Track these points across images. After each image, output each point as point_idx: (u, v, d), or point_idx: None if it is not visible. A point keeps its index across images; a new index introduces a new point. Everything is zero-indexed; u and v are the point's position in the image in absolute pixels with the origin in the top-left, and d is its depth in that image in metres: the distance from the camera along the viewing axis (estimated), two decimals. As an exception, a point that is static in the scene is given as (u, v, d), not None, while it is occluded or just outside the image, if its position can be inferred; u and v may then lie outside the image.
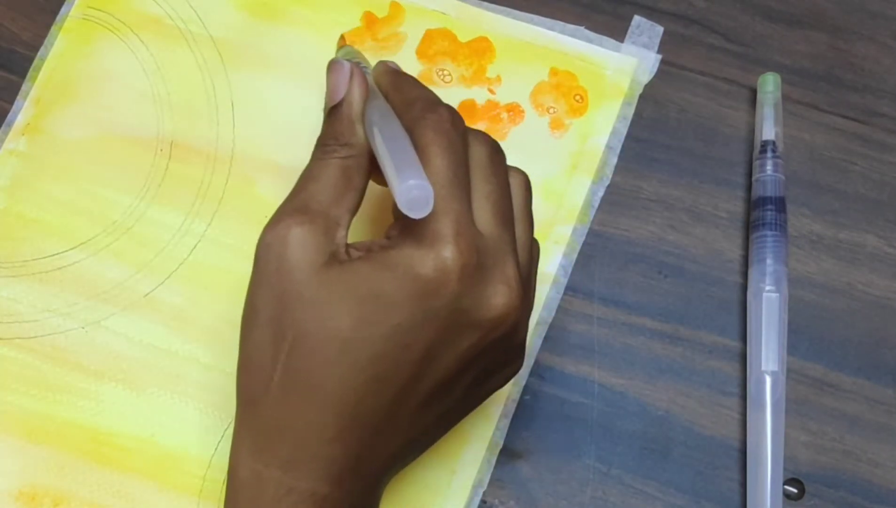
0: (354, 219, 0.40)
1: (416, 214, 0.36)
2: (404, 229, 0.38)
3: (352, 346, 0.37)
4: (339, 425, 0.37)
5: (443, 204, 0.37)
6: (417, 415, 0.39)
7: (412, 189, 0.36)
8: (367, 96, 0.41)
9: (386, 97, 0.41)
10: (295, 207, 0.39)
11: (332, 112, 0.41)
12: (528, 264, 0.41)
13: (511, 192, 0.41)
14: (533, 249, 0.42)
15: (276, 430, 0.38)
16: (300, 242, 0.37)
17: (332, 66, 0.42)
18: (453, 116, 0.39)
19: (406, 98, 0.40)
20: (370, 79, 0.42)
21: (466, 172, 0.39)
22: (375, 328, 0.37)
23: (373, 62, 0.43)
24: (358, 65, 0.42)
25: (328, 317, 0.37)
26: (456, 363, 0.38)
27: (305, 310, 0.37)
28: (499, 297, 0.38)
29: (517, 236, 0.40)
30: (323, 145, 0.40)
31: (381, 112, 0.40)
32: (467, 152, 0.39)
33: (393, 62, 0.43)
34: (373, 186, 0.42)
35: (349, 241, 0.39)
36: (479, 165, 0.40)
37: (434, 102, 0.40)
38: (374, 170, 0.40)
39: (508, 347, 0.40)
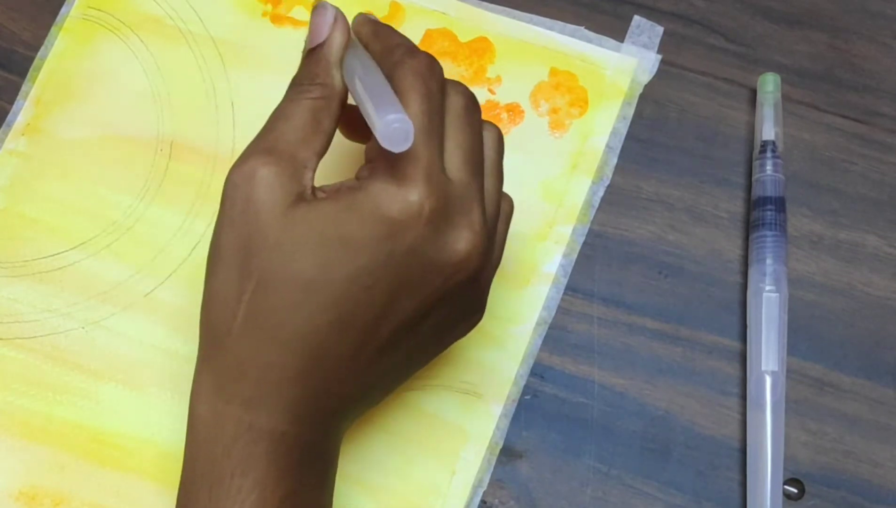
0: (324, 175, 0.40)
1: (396, 147, 0.36)
2: (373, 171, 0.38)
3: (315, 288, 0.37)
4: (300, 365, 0.38)
5: (414, 149, 0.37)
6: (378, 358, 0.39)
7: (392, 122, 0.36)
8: (348, 43, 0.41)
9: (366, 47, 0.42)
10: (263, 147, 0.39)
11: (311, 54, 0.41)
12: (495, 216, 0.41)
13: (484, 145, 0.41)
14: (503, 204, 0.42)
15: (238, 368, 0.38)
16: (267, 183, 0.38)
17: (317, 9, 0.42)
18: (432, 63, 0.40)
19: (386, 45, 0.41)
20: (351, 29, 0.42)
21: (441, 119, 0.39)
22: (339, 269, 0.37)
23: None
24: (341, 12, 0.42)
25: (292, 259, 0.37)
26: (417, 308, 0.39)
27: (271, 252, 0.37)
28: (462, 242, 0.38)
29: (486, 188, 0.41)
30: (297, 85, 0.41)
31: (362, 59, 0.40)
32: (444, 101, 0.40)
33: (372, 14, 0.43)
34: (343, 144, 0.42)
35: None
36: (454, 114, 0.40)
37: (414, 49, 0.41)
38: (345, 122, 0.41)
39: (470, 296, 0.41)
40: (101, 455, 0.48)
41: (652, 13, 0.52)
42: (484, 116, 0.51)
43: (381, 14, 0.52)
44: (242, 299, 0.38)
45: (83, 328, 0.49)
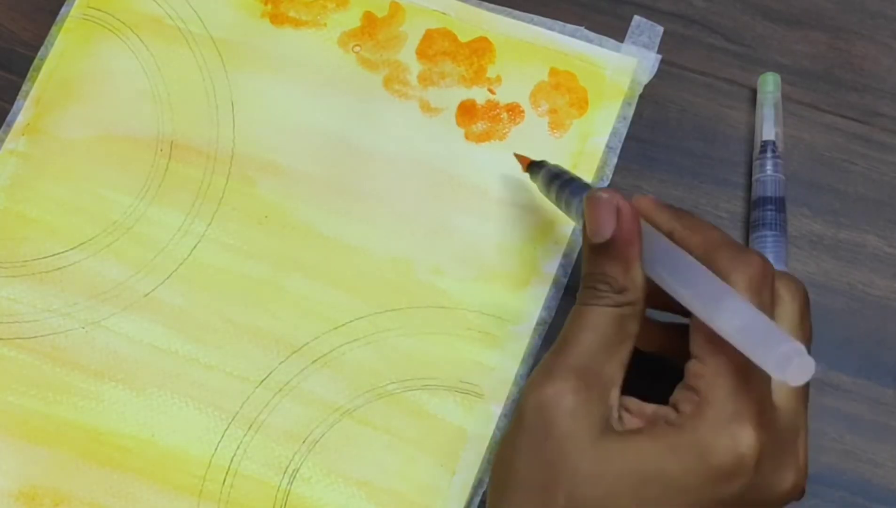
0: None
1: (797, 381, 0.33)
2: (699, 408, 0.35)
3: None
4: None
5: (750, 386, 0.35)
6: None
7: (791, 355, 0.33)
8: (641, 237, 0.37)
9: (670, 235, 0.38)
10: (569, 366, 0.36)
11: (601, 252, 0.37)
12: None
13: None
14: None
15: None
16: (573, 410, 0.35)
17: (592, 200, 0.38)
18: (765, 266, 0.37)
19: (707, 241, 0.37)
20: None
21: None
22: None
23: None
24: (622, 197, 0.38)
25: (608, 495, 0.35)
26: None
27: (584, 485, 0.35)
28: (786, 483, 0.37)
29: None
30: (592, 288, 0.37)
31: (681, 261, 0.36)
32: (774, 310, 0.37)
33: (652, 196, 0.40)
34: None
35: None
36: (787, 322, 0.37)
37: (741, 248, 0.37)
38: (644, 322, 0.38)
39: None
40: (101, 455, 0.48)
41: (652, 13, 0.52)
42: (484, 116, 0.51)
43: (381, 14, 0.52)
44: None
45: (83, 328, 0.49)
